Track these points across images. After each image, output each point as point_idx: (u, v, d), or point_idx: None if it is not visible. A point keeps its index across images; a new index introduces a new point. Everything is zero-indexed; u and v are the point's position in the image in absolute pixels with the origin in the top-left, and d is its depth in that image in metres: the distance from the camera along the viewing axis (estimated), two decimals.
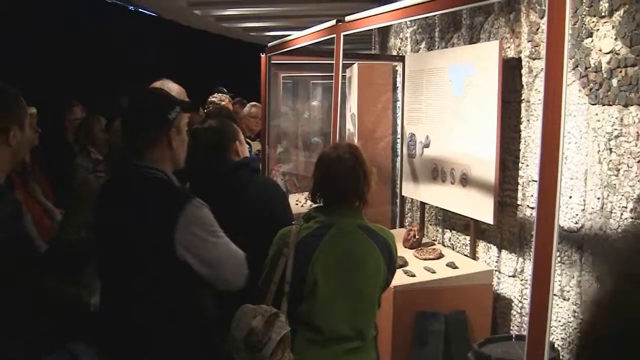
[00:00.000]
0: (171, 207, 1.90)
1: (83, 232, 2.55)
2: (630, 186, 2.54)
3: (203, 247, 1.92)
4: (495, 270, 3.50)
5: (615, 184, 2.62)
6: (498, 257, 3.51)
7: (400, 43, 4.96)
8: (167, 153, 2.01)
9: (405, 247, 3.86)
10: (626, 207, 2.56)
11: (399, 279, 3.23)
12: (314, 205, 2.28)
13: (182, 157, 2.08)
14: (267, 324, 1.97)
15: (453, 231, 4.06)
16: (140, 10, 8.48)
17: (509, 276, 3.41)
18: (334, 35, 3.15)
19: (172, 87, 2.73)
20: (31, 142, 3.34)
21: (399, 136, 4.72)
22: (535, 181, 3.15)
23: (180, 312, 1.95)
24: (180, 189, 2.02)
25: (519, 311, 3.35)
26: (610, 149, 2.65)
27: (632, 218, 2.53)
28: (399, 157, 4.69)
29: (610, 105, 2.64)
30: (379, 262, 2.16)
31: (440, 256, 3.66)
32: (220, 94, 5.21)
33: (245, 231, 2.10)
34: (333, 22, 3.18)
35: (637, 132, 2.50)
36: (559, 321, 2.96)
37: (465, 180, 3.57)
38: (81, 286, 2.49)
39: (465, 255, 3.78)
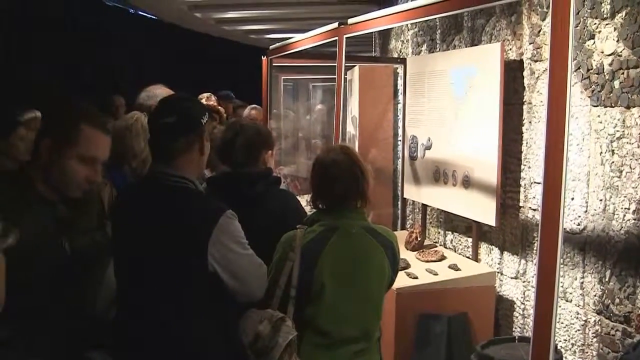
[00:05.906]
0: (206, 219, 1.87)
1: (82, 239, 2.54)
2: (633, 187, 2.54)
3: (233, 260, 1.90)
4: (498, 272, 3.50)
5: (617, 186, 2.63)
6: (500, 259, 3.52)
7: (402, 45, 4.97)
8: (196, 160, 1.97)
9: (407, 249, 3.86)
10: (629, 209, 2.56)
11: (402, 281, 3.23)
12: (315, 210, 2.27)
13: (205, 164, 2.07)
14: (274, 329, 1.95)
15: (455, 233, 4.06)
16: (140, 13, 8.50)
17: (511, 278, 3.41)
18: (337, 37, 3.16)
19: (159, 93, 2.73)
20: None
21: (400, 138, 4.73)
22: (538, 183, 3.17)
23: (208, 323, 1.92)
24: (212, 200, 1.98)
25: (522, 313, 3.34)
26: (613, 150, 2.65)
27: (634, 219, 2.54)
28: (400, 159, 4.70)
29: (613, 107, 2.64)
30: (384, 263, 2.16)
31: (443, 258, 3.66)
32: (206, 94, 5.06)
33: (258, 240, 2.06)
34: (335, 24, 3.19)
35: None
36: (562, 323, 2.96)
37: (467, 182, 3.57)
38: (85, 293, 2.48)
39: (467, 257, 3.78)
